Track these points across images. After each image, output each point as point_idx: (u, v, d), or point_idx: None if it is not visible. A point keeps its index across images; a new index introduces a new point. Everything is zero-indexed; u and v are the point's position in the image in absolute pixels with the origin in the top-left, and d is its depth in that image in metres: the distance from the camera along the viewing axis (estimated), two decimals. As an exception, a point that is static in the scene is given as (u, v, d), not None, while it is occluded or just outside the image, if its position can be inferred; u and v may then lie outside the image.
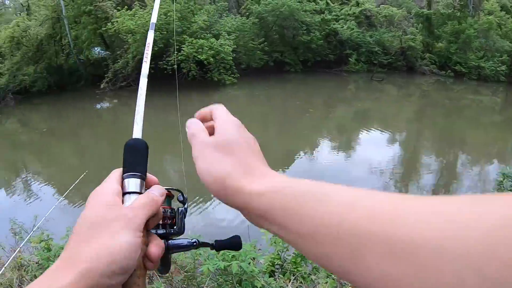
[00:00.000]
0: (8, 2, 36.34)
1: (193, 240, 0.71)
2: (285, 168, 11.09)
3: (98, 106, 21.49)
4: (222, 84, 21.44)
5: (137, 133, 0.70)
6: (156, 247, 0.61)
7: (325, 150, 13.15)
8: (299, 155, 12.52)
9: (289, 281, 3.54)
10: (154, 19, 0.97)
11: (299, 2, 25.95)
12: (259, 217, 0.50)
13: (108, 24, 21.65)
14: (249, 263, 3.25)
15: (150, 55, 0.84)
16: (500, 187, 6.42)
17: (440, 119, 17.97)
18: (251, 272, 3.22)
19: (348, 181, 9.90)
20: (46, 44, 25.23)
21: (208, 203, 8.17)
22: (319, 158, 12.28)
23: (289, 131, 15.04)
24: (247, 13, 26.77)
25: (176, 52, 20.97)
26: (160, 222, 0.67)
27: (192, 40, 21.26)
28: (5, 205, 9.39)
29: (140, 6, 22.74)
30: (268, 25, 26.34)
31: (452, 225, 0.32)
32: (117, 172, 0.65)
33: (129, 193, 0.62)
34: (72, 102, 20.98)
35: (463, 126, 16.92)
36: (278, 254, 4.06)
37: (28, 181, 11.27)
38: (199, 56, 21.00)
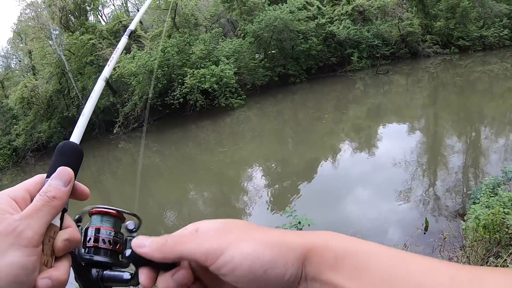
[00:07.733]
0: (14, 65, 37.77)
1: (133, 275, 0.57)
2: (309, 181, 11.00)
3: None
4: (230, 108, 21.63)
5: (74, 136, 0.63)
6: (57, 272, 0.48)
7: (346, 153, 13.01)
8: (321, 164, 12.39)
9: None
10: (132, 26, 0.96)
11: (290, 12, 26.06)
12: (330, 267, 0.42)
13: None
14: None
15: (116, 59, 0.79)
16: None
17: (454, 98, 17.69)
18: None
19: (375, 179, 9.76)
20: (56, 99, 26.14)
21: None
22: (341, 163, 12.14)
23: (306, 142, 14.94)
24: (243, 34, 27.08)
25: (180, 86, 21.33)
26: (104, 246, 0.56)
27: (194, 71, 21.58)
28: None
29: (138, 48, 23.26)
30: (266, 41, 26.54)
31: None
32: (39, 177, 0.56)
33: None
34: (91, 151, 21.32)
35: (478, 100, 16.60)
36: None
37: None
38: (202, 85, 21.30)
